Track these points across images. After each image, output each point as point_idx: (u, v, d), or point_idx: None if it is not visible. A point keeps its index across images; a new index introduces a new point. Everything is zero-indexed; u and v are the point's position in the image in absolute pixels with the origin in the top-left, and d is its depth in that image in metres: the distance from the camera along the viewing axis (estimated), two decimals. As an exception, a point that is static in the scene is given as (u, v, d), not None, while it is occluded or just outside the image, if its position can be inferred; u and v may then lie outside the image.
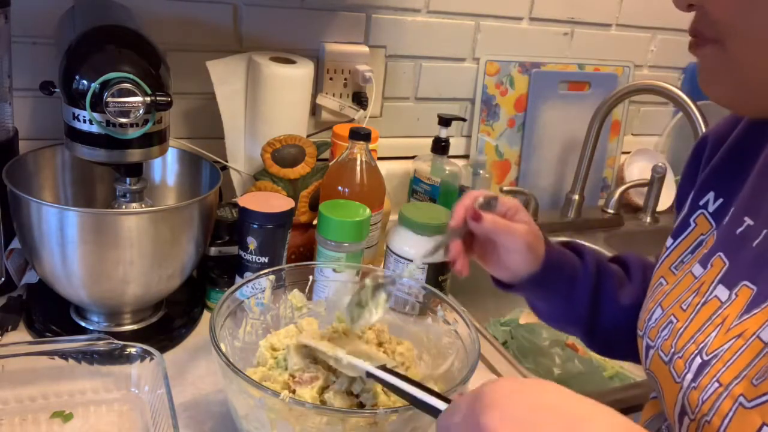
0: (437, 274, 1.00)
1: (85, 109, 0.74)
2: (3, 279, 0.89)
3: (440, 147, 1.25)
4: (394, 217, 1.17)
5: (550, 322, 0.88)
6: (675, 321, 0.62)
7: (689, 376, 0.58)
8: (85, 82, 0.74)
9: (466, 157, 1.43)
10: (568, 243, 0.83)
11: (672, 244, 0.70)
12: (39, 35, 1.01)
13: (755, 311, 0.56)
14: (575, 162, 1.47)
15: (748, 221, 0.61)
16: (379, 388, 0.70)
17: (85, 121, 0.76)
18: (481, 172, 1.33)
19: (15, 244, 0.90)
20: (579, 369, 1.15)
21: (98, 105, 0.73)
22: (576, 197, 1.47)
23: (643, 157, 1.60)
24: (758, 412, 0.51)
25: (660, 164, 1.49)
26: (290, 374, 0.71)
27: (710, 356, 0.57)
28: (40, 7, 1.00)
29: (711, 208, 0.67)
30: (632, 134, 1.66)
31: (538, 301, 0.84)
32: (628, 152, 1.61)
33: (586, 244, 1.42)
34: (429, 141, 1.27)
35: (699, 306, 0.61)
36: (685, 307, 0.62)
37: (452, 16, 1.32)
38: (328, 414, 0.63)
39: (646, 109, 1.65)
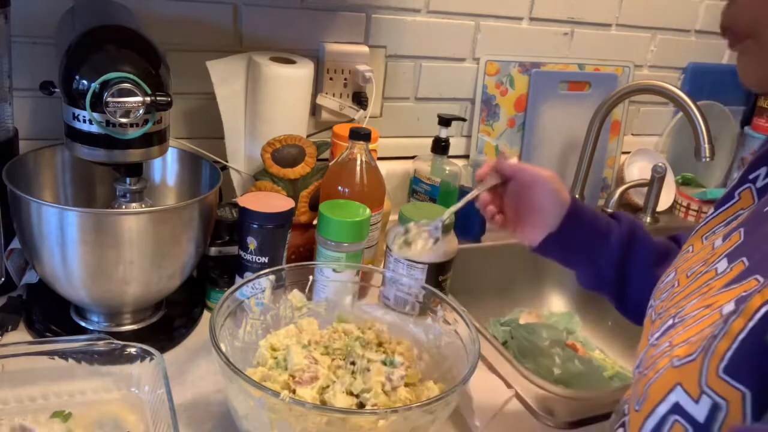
0: (437, 274, 1.00)
1: (85, 109, 0.74)
2: (3, 279, 0.89)
3: (440, 147, 1.25)
4: (394, 217, 1.17)
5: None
6: (676, 286, 0.62)
7: (656, 335, 0.59)
8: (85, 82, 0.74)
9: (466, 157, 1.43)
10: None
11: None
12: (39, 35, 1.01)
13: (734, 286, 0.54)
14: (575, 162, 1.47)
15: None
16: (379, 388, 0.70)
17: (85, 121, 0.76)
18: (481, 172, 1.33)
19: (15, 244, 0.90)
20: (579, 369, 1.14)
21: (98, 105, 0.73)
22: (576, 197, 1.46)
23: (643, 157, 1.60)
24: (679, 371, 0.51)
25: (660, 164, 1.49)
26: (290, 374, 0.71)
27: (679, 321, 0.57)
28: (40, 7, 1.00)
29: (759, 183, 0.64)
30: (632, 134, 1.66)
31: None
32: (628, 152, 1.61)
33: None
34: (429, 141, 1.27)
35: (699, 275, 0.60)
36: (689, 275, 0.62)
37: (452, 16, 1.32)
38: (328, 414, 0.63)
39: (646, 109, 1.65)
